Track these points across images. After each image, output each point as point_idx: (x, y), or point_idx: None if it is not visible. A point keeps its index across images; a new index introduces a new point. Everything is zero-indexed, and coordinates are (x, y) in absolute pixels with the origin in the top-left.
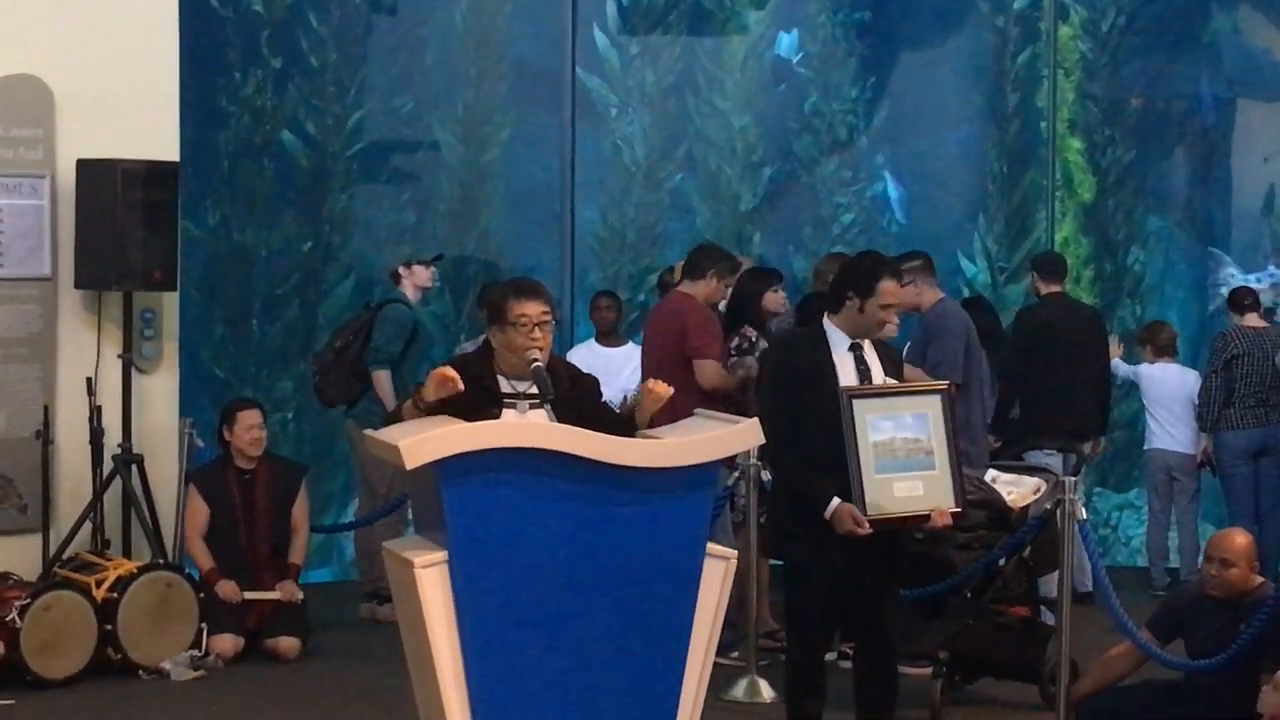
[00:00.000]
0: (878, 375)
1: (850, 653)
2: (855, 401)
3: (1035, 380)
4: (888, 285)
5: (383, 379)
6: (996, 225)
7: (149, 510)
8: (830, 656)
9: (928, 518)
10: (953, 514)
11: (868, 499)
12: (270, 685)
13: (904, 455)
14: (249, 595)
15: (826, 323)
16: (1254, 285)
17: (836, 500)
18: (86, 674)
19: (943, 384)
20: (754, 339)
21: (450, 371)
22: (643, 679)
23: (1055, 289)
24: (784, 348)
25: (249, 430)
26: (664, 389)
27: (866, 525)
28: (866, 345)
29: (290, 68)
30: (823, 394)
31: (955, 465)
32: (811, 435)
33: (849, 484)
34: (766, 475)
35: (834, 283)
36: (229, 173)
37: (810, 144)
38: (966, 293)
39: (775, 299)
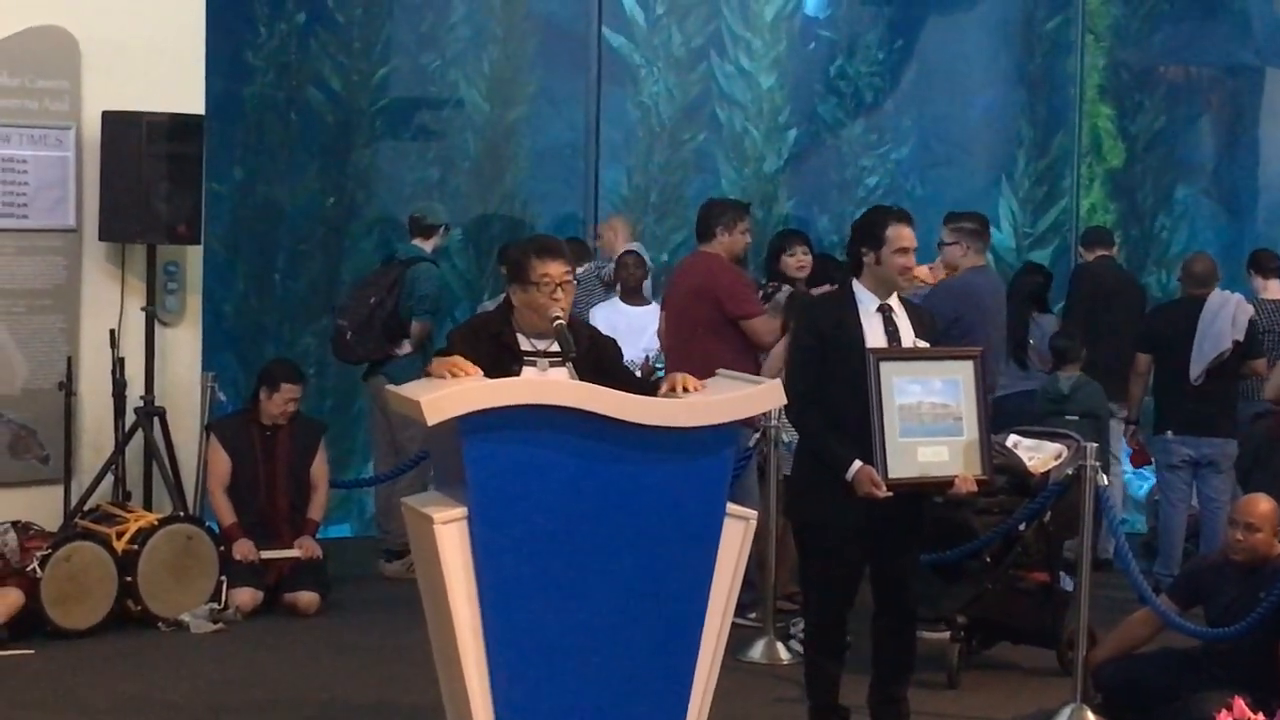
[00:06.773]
0: (907, 338)
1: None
2: (882, 364)
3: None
4: (896, 230)
5: (426, 328)
6: (1022, 190)
7: (170, 463)
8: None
9: (951, 483)
10: (978, 481)
11: (889, 462)
12: (289, 639)
13: (930, 420)
14: (266, 554)
15: (855, 285)
16: None
17: (858, 463)
18: (106, 625)
19: (975, 350)
20: (777, 287)
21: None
22: (660, 638)
23: (1101, 253)
24: (810, 309)
25: (287, 403)
26: (694, 386)
27: (885, 488)
28: (897, 307)
29: (314, 23)
30: (848, 355)
31: (985, 432)
32: (835, 397)
33: (872, 446)
34: (788, 437)
35: (848, 247)
36: (254, 127)
37: (836, 106)
38: (991, 258)
39: (791, 261)
